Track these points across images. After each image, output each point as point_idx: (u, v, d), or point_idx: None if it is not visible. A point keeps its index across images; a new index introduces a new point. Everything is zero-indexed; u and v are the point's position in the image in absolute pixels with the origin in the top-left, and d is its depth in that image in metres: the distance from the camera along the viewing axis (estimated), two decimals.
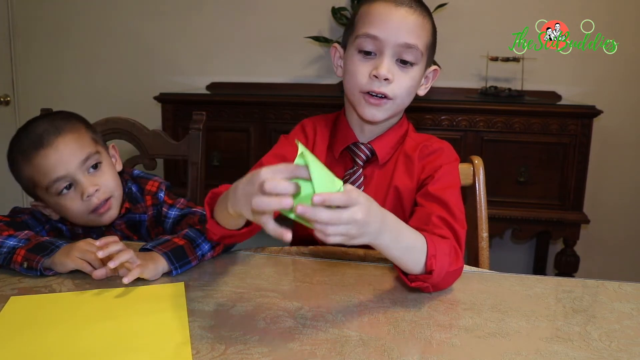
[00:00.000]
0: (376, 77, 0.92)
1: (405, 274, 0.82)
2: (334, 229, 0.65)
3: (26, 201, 1.10)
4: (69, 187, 0.99)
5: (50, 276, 0.88)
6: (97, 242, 0.83)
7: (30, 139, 0.98)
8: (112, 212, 1.04)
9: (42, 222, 1.06)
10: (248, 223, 0.84)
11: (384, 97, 0.94)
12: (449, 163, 0.99)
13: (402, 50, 0.93)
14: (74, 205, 0.99)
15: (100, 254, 0.82)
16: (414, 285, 0.81)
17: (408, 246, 0.78)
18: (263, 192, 0.63)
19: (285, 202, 0.63)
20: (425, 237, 0.81)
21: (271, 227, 0.65)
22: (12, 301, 0.79)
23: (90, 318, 0.74)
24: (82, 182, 0.99)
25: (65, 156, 0.97)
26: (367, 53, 0.94)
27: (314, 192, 0.63)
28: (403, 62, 0.94)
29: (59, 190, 0.98)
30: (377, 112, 0.95)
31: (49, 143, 0.97)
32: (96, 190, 1.00)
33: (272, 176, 0.64)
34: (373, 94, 0.94)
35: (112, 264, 0.81)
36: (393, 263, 0.82)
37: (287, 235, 0.64)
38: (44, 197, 1.01)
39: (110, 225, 1.09)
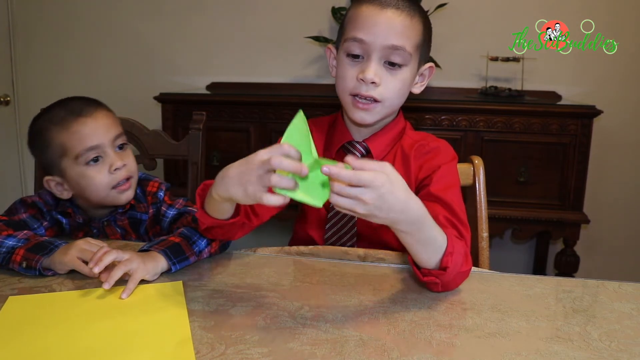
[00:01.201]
0: (363, 80, 0.92)
1: (418, 267, 0.82)
2: (349, 191, 0.67)
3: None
4: (96, 159, 1.02)
5: (49, 276, 0.88)
6: (90, 264, 0.83)
7: (68, 110, 1.03)
8: (129, 193, 1.06)
9: (40, 219, 1.06)
10: (234, 215, 0.86)
11: (373, 100, 0.94)
12: (447, 162, 0.99)
13: (390, 53, 0.92)
14: (99, 177, 1.02)
15: (96, 270, 0.81)
16: (426, 280, 0.81)
17: (427, 239, 0.78)
18: (268, 169, 0.68)
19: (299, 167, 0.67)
20: (446, 234, 0.81)
21: (271, 198, 0.69)
22: (10, 301, 0.79)
23: (90, 317, 0.74)
24: (112, 156, 1.03)
25: (102, 127, 1.03)
26: (355, 56, 0.94)
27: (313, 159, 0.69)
28: (391, 64, 0.94)
29: (87, 159, 1.01)
30: (366, 116, 0.96)
31: (89, 113, 1.03)
32: (123, 165, 1.04)
33: (271, 154, 0.69)
34: (361, 97, 0.94)
35: (96, 269, 0.81)
36: (407, 252, 0.82)
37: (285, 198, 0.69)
38: (69, 167, 1.02)
39: (114, 221, 1.10)
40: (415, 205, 0.74)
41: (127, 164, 1.05)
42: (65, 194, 1.06)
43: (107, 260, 0.82)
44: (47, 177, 1.06)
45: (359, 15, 0.94)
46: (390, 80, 0.94)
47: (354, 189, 0.67)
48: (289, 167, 0.66)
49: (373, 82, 0.92)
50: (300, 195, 0.68)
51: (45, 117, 1.04)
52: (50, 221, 1.09)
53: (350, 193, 0.67)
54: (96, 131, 1.02)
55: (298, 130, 0.71)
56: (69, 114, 1.02)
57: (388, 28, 0.92)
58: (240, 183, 0.72)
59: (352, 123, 1.00)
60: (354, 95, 0.95)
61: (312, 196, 0.69)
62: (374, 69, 0.92)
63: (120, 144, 1.06)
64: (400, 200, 0.71)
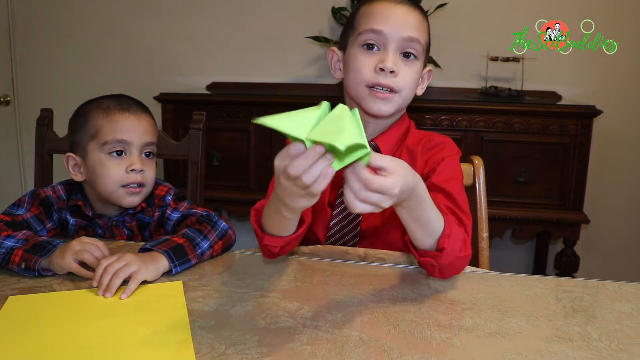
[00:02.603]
0: (382, 70, 0.94)
1: (416, 248, 0.83)
2: (366, 195, 0.66)
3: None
4: (119, 153, 1.05)
5: (49, 276, 0.88)
6: (94, 282, 0.83)
7: (118, 102, 1.08)
8: (136, 199, 1.07)
9: (44, 221, 1.06)
10: (300, 224, 0.85)
11: (390, 90, 0.95)
12: (451, 156, 1.01)
13: (406, 44, 0.95)
14: (114, 170, 1.04)
15: (108, 295, 0.80)
16: (422, 260, 0.82)
17: (426, 218, 0.80)
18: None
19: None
20: (444, 218, 0.82)
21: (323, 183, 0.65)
22: (10, 301, 0.79)
23: (90, 317, 0.74)
24: (135, 157, 1.06)
25: (140, 128, 1.07)
26: (371, 47, 0.96)
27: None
28: (406, 56, 0.96)
29: (112, 150, 1.04)
30: (383, 106, 0.96)
31: (135, 112, 1.08)
32: (141, 170, 1.06)
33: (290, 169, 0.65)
34: (379, 87, 0.95)
35: (108, 295, 0.80)
36: (406, 230, 0.83)
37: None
38: (93, 151, 1.05)
39: (122, 221, 1.10)
40: (420, 181, 0.76)
41: (145, 171, 1.07)
42: (79, 177, 1.08)
43: (107, 278, 0.81)
44: (68, 153, 1.08)
45: (374, 9, 0.97)
46: (406, 71, 0.96)
47: (374, 196, 0.66)
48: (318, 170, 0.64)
49: (392, 72, 0.94)
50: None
51: (94, 102, 1.09)
52: (56, 222, 1.09)
53: (372, 200, 0.66)
54: (133, 129, 1.05)
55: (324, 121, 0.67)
56: (117, 105, 1.07)
57: (404, 21, 0.95)
58: (300, 198, 0.69)
59: (368, 115, 1.00)
60: (371, 87, 0.95)
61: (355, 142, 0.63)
62: (392, 59, 0.94)
63: (148, 152, 1.09)
64: (412, 173, 0.73)
